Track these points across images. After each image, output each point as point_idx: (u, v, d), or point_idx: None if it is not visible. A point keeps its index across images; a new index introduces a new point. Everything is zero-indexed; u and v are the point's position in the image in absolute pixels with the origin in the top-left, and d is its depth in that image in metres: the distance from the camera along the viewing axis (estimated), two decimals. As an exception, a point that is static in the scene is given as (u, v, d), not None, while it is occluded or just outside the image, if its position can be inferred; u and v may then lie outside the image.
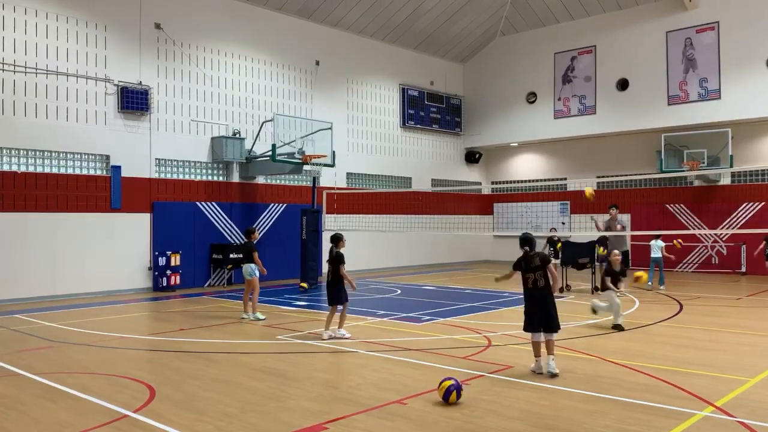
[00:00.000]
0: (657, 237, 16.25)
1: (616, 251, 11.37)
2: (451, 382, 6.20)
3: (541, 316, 7.40)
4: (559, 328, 7.43)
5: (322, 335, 9.66)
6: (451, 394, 6.13)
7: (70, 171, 15.13)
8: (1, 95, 14.07)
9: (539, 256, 7.51)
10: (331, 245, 9.98)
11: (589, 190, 13.99)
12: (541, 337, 7.42)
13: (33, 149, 14.54)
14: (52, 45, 14.85)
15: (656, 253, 15.97)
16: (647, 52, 21.29)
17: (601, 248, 15.09)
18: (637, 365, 7.75)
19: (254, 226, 18.23)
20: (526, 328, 7.53)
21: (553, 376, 7.13)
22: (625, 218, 21.89)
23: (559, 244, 16.07)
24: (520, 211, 25.59)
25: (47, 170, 14.77)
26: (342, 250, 9.92)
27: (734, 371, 7.49)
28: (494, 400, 6.36)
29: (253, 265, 11.75)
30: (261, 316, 11.57)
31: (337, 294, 9.74)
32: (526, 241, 7.66)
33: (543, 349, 7.37)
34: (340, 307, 9.85)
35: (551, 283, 7.48)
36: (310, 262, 16.75)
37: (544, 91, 23.92)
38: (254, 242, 12.09)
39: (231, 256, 17.07)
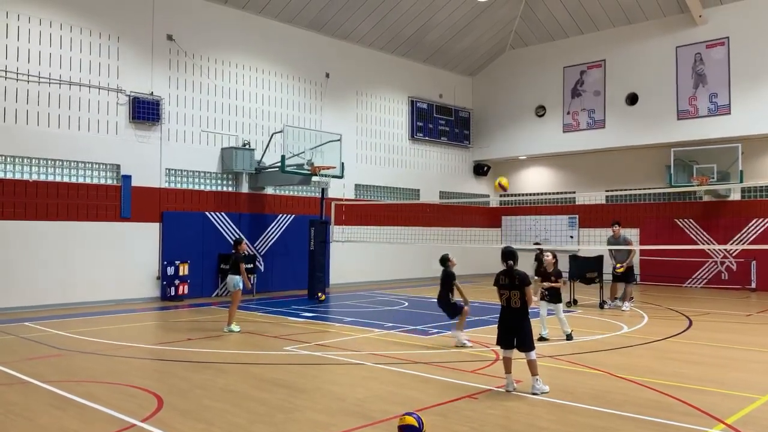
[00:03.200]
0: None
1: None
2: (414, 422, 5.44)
3: (511, 335, 7.28)
4: (533, 348, 7.24)
5: (459, 340, 10.00)
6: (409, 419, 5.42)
7: (81, 180, 15.23)
8: (14, 104, 14.22)
9: (518, 276, 7.29)
10: (442, 268, 10.34)
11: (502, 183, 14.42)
12: (511, 353, 7.32)
13: (45, 158, 14.66)
14: (65, 55, 15.01)
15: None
16: (657, 67, 21.29)
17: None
18: (646, 381, 7.70)
19: (262, 236, 18.38)
20: (497, 343, 7.49)
21: (543, 393, 7.05)
22: (634, 232, 21.77)
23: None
24: (529, 224, 25.54)
25: (58, 179, 14.88)
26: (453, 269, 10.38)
27: (744, 388, 7.42)
28: (503, 415, 6.32)
29: (237, 277, 11.65)
30: (236, 329, 11.45)
31: (452, 308, 10.19)
32: (509, 254, 7.44)
33: (530, 367, 7.24)
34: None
35: (527, 304, 7.28)
36: (317, 273, 16.77)
37: (553, 105, 23.94)
38: (242, 254, 11.93)
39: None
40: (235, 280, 11.67)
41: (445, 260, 10.42)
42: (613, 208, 22.90)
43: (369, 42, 21.79)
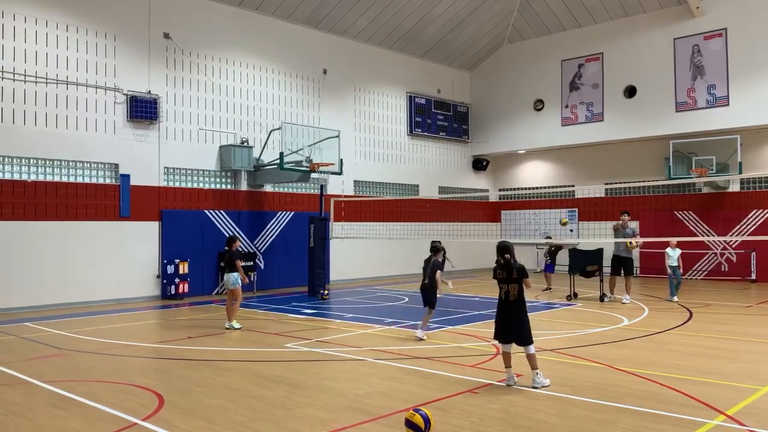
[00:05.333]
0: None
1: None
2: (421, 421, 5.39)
3: (509, 329, 7.29)
4: (532, 342, 7.24)
5: (416, 334, 10.25)
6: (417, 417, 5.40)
7: (79, 180, 15.22)
8: (12, 104, 14.20)
9: (516, 269, 7.31)
10: (430, 254, 10.69)
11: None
12: (510, 348, 7.33)
13: (43, 158, 14.64)
14: (62, 54, 14.97)
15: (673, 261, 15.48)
16: (655, 59, 21.25)
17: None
18: (646, 373, 7.70)
19: (261, 234, 18.39)
20: (495, 337, 7.50)
21: (543, 387, 7.06)
22: (634, 225, 21.67)
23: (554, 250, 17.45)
24: (528, 218, 25.54)
25: (57, 179, 14.87)
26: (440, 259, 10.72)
27: (745, 380, 7.43)
28: (503, 409, 6.33)
29: (235, 274, 11.66)
30: (237, 325, 11.48)
31: (433, 297, 10.44)
32: (505, 249, 7.47)
33: (529, 361, 7.25)
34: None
35: (524, 297, 7.33)
36: (317, 270, 16.77)
37: (551, 99, 23.91)
38: (237, 251, 11.98)
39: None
40: (233, 278, 11.68)
41: (437, 249, 10.73)
42: (612, 201, 22.90)
43: (366, 37, 21.75)
